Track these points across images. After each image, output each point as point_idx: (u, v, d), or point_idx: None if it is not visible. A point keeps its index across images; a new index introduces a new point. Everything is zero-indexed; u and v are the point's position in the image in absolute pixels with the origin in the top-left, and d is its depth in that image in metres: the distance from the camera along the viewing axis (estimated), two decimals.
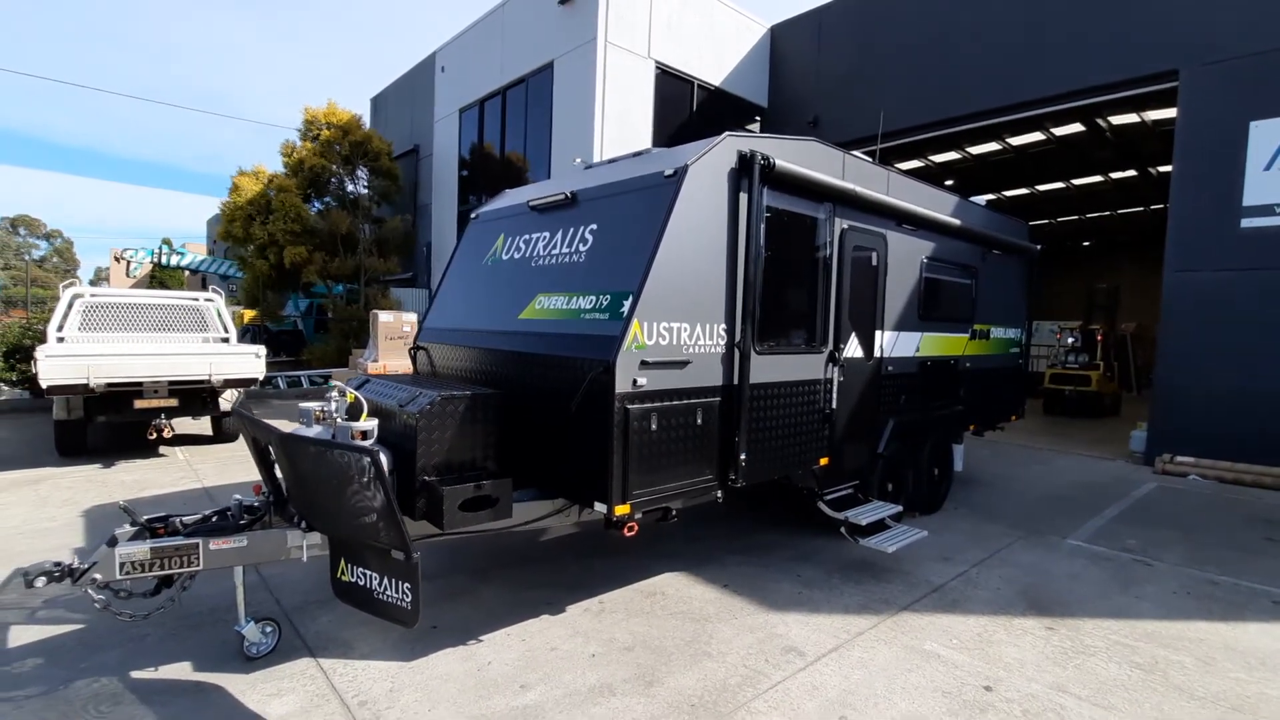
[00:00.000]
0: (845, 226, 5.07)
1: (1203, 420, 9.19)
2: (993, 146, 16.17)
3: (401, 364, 11.59)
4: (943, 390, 6.57)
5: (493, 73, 15.39)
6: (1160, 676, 3.65)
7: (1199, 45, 9.32)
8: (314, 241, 17.13)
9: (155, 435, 8.10)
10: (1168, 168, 14.42)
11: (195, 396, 8.20)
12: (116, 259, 21.50)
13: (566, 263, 4.30)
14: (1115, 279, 22.52)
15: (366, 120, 19.71)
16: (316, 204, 18.05)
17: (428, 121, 18.63)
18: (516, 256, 4.84)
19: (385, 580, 3.16)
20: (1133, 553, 5.72)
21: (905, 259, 5.85)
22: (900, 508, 5.53)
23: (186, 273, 29.74)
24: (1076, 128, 14.65)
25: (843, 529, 5.19)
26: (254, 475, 7.37)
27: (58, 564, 2.99)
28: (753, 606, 4.39)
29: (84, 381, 6.91)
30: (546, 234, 4.60)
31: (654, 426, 3.74)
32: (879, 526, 5.28)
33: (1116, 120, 14.19)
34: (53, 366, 6.75)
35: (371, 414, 3.73)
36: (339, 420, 3.63)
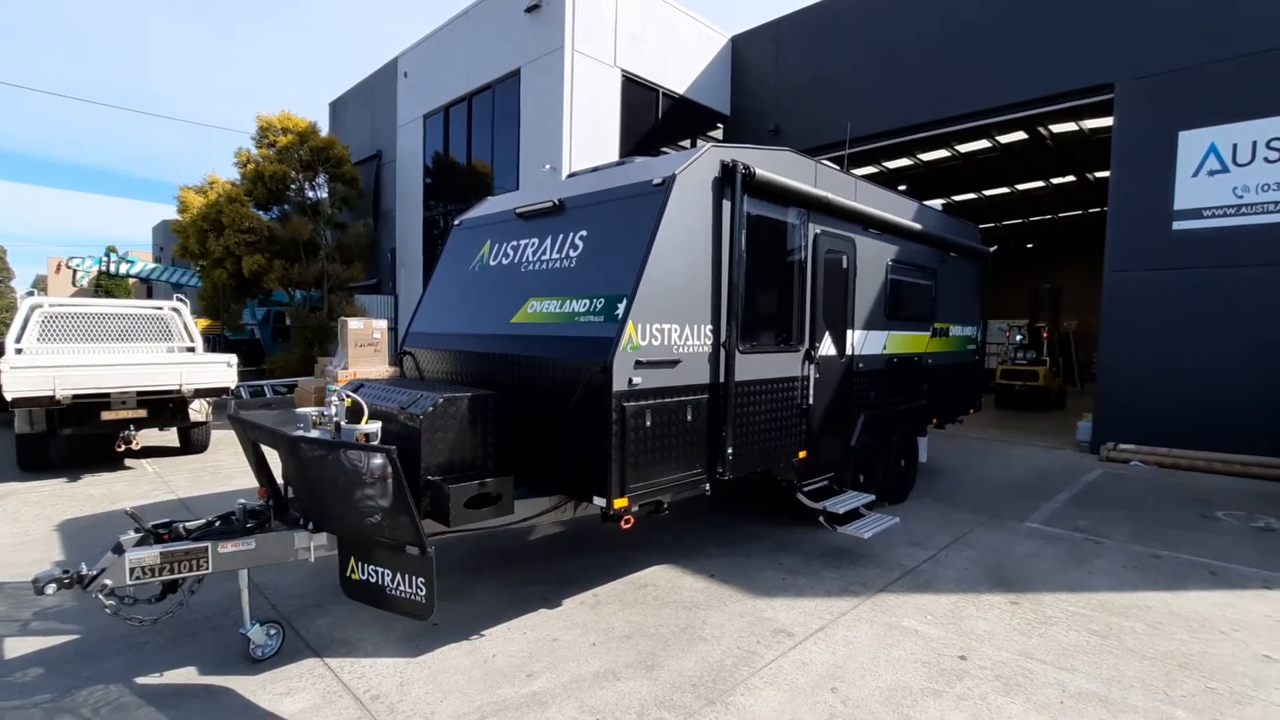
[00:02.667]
0: (818, 231, 5.35)
1: (1143, 410, 9.83)
2: (943, 154, 16.91)
3: (373, 370, 11.52)
4: (908, 386, 6.93)
5: (458, 79, 15.39)
6: (1115, 641, 3.99)
7: (1133, 60, 10.00)
8: (274, 249, 16.80)
9: (122, 447, 7.91)
10: (1105, 174, 15.33)
11: (163, 407, 8.05)
12: (62, 267, 20.61)
13: (558, 268, 4.46)
14: (1058, 279, 23.64)
15: (325, 125, 19.41)
16: (275, 210, 17.68)
17: (390, 127, 18.47)
18: (505, 262, 4.97)
19: (398, 576, 3.26)
20: (1084, 533, 6.14)
21: (872, 262, 6.17)
22: (873, 497, 5.83)
23: (132, 281, 28.65)
24: (1020, 136, 15.47)
25: (821, 518, 5.46)
26: (227, 485, 7.36)
27: (66, 570, 3.01)
28: (741, 594, 4.61)
29: (50, 393, 6.74)
30: (535, 240, 4.75)
31: (648, 423, 3.93)
32: (854, 515, 5.57)
33: (1057, 129, 15.05)
34: (17, 378, 6.56)
35: (371, 417, 3.82)
36: (342, 424, 3.71)
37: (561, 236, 4.56)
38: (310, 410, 3.95)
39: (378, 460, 2.99)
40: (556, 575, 4.88)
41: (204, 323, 20.80)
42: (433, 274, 5.80)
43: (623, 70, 13.20)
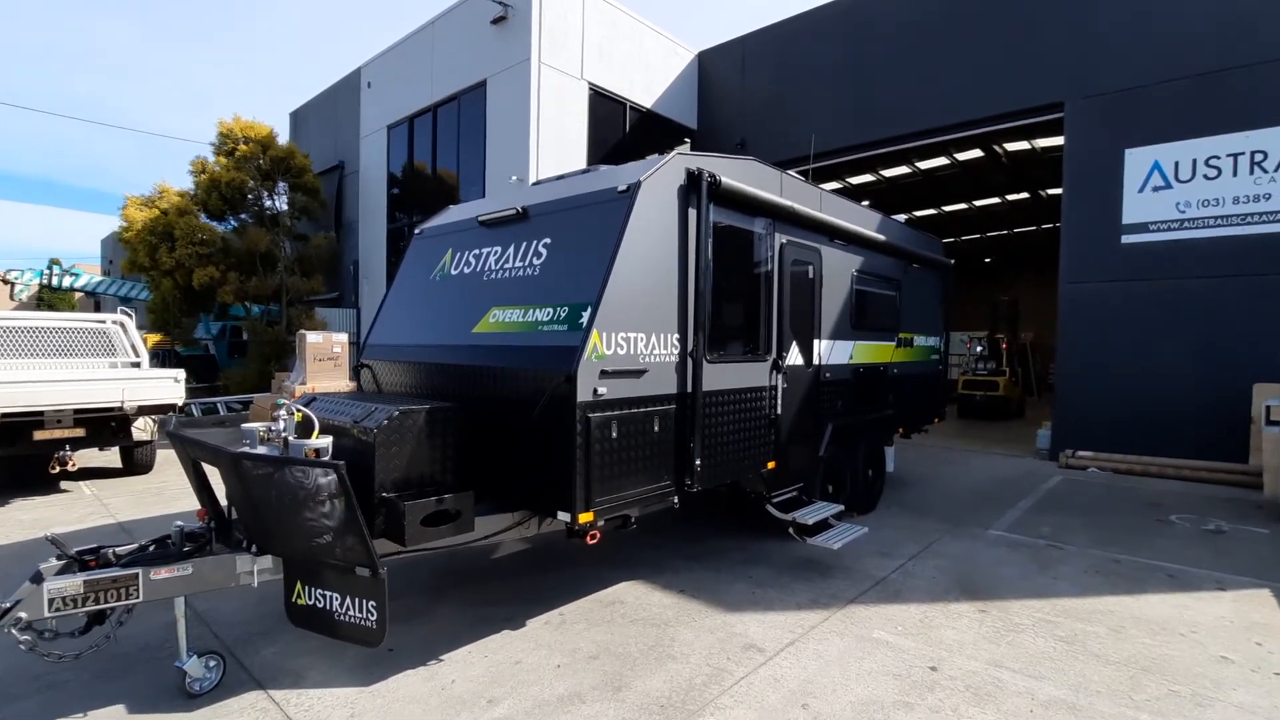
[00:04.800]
0: (784, 241, 5.34)
1: (1099, 418, 10.08)
2: (903, 170, 17.31)
3: (332, 385, 11.17)
4: (874, 395, 6.96)
5: (422, 90, 15.20)
6: (1080, 646, 3.99)
7: (1080, 80, 10.36)
8: (229, 261, 16.27)
9: (58, 469, 7.46)
10: (1056, 190, 15.84)
11: (104, 425, 7.62)
12: (0, 281, 19.68)
13: (521, 276, 4.34)
14: (1015, 292, 24.34)
15: (285, 135, 18.97)
16: (232, 221, 17.15)
17: (353, 138, 18.14)
18: (466, 271, 4.83)
19: (347, 599, 3.07)
20: (1047, 539, 6.21)
21: (838, 272, 6.20)
22: (842, 507, 5.81)
23: (78, 295, 27.52)
24: (976, 153, 15.93)
25: (790, 529, 5.40)
26: (172, 507, 7.00)
27: None
28: (710, 609, 4.50)
29: None
30: (498, 248, 4.63)
31: (614, 434, 3.82)
32: (823, 526, 5.52)
33: (1011, 147, 15.54)
34: None
35: (323, 432, 3.63)
36: (290, 439, 3.52)
37: (525, 244, 4.45)
38: (258, 426, 3.73)
39: (325, 477, 2.81)
40: (521, 594, 4.71)
41: (154, 338, 20.00)
42: (391, 284, 5.62)
43: (590, 83, 13.19)
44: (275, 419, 3.64)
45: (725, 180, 4.45)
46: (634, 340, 3.98)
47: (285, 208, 17.53)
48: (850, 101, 13.12)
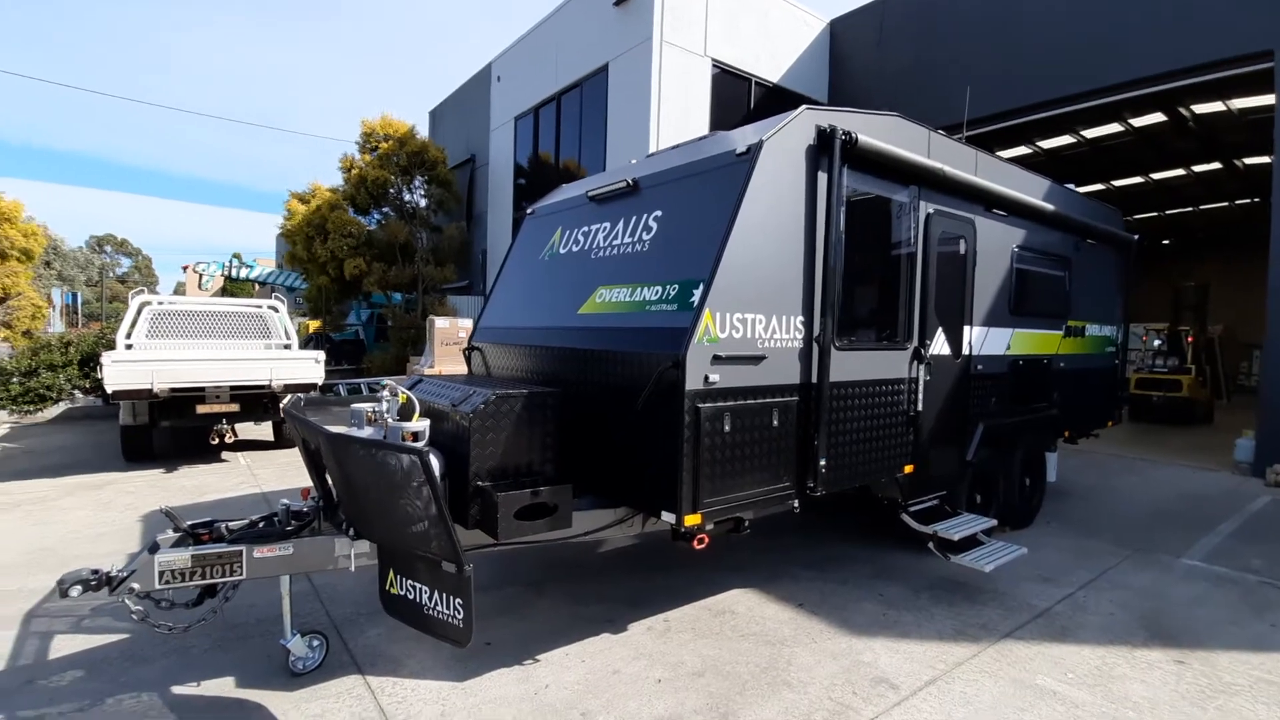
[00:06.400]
0: (931, 211, 4.62)
1: None
2: (1065, 140, 15.23)
3: (458, 369, 11.56)
4: (1035, 392, 5.99)
5: (547, 79, 15.38)
6: None
7: None
8: (373, 252, 17.42)
9: (218, 440, 8.18)
10: (1258, 159, 13.24)
11: (256, 401, 8.24)
12: (191, 271, 22.46)
13: (629, 253, 4.00)
14: (1199, 278, 20.97)
15: (424, 132, 20.04)
16: (375, 215, 18.37)
17: (484, 131, 18.80)
18: (575, 249, 4.57)
19: (436, 594, 2.89)
20: (1260, 575, 5.05)
21: (995, 247, 5.33)
22: (995, 522, 4.99)
23: (255, 285, 30.88)
24: (1157, 117, 13.63)
25: (931, 544, 4.70)
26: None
27: (95, 571, 2.83)
28: (833, 629, 3.97)
29: (147, 386, 6.99)
30: (607, 224, 4.32)
31: (727, 428, 3.39)
32: (971, 542, 4.76)
33: (1201, 109, 13.11)
34: (117, 372, 6.85)
35: (424, 414, 3.50)
36: (390, 421, 3.41)
37: (635, 219, 4.10)
38: (365, 406, 3.68)
39: (410, 462, 2.62)
40: (623, 594, 4.41)
41: (313, 324, 21.97)
42: (502, 266, 5.50)
43: (713, 60, 12.66)
44: (380, 400, 3.56)
45: (863, 139, 3.84)
46: (752, 322, 3.52)
47: (422, 201, 18.50)
48: (1002, 62, 11.63)
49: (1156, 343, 16.08)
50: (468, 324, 12.61)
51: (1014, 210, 5.44)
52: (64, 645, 3.57)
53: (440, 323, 12.25)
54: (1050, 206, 5.79)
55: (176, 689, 3.17)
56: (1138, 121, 13.94)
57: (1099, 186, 19.26)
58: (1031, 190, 5.70)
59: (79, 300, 36.16)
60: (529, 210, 5.55)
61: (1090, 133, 14.76)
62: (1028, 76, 11.31)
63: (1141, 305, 21.53)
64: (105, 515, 5.95)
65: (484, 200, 19.25)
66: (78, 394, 10.94)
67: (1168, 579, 4.95)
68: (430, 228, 18.61)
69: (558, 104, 15.31)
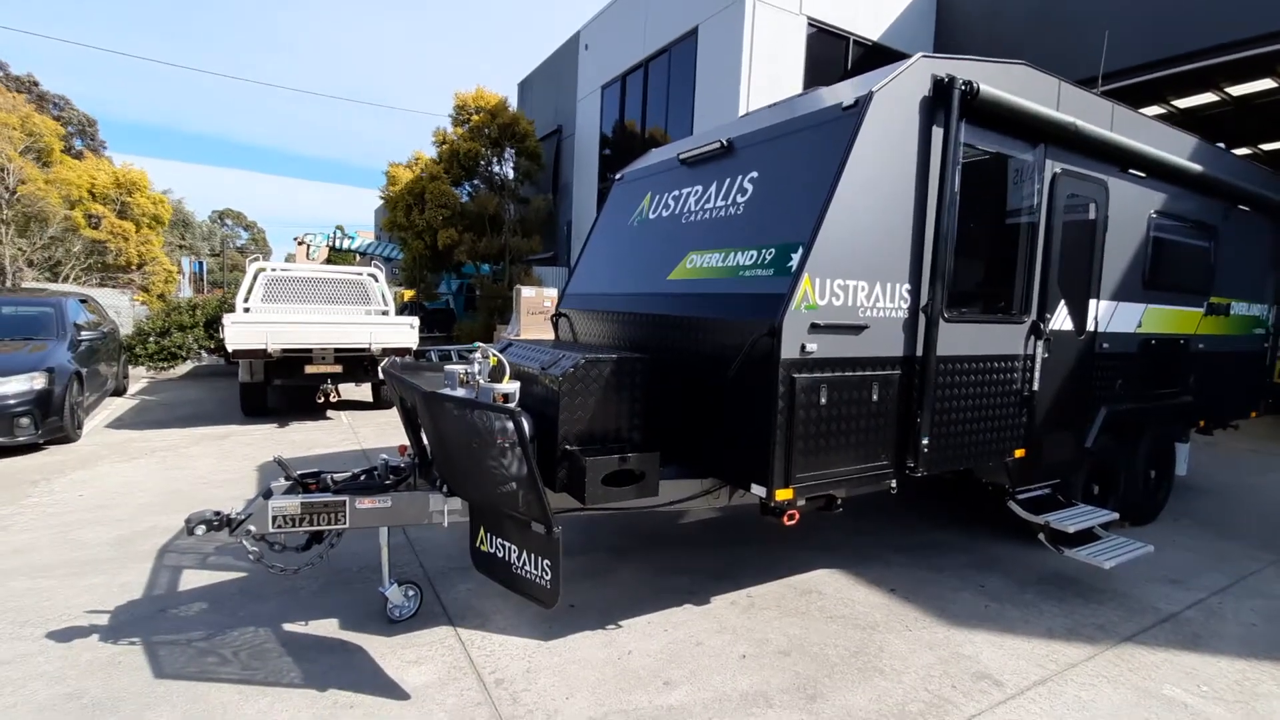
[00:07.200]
0: (1058, 171, 4.18)
1: None
2: (1206, 98, 13.51)
3: (544, 337, 11.78)
4: (1167, 376, 5.40)
5: (635, 46, 15.15)
6: None
7: None
8: (464, 223, 17.92)
9: (323, 399, 8.69)
10: None
11: (358, 364, 8.71)
12: (299, 242, 24.03)
13: (722, 216, 3.85)
14: None
15: (514, 104, 20.29)
16: (466, 186, 18.84)
17: (571, 102, 18.82)
18: (665, 214, 4.45)
19: (525, 554, 2.92)
20: None
21: (1129, 213, 4.79)
22: (1115, 515, 4.56)
23: (356, 255, 32.65)
24: None
25: (1041, 535, 4.35)
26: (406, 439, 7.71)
27: (217, 513, 3.04)
28: (929, 618, 3.76)
29: (263, 346, 7.50)
30: (699, 188, 4.17)
31: (823, 400, 3.22)
32: (1087, 536, 4.38)
33: None
34: (237, 333, 7.39)
35: (514, 377, 3.52)
36: (482, 382, 3.45)
37: (729, 180, 3.93)
38: (458, 368, 3.75)
39: (501, 423, 2.63)
40: (706, 566, 4.35)
41: (409, 293, 23.01)
42: (590, 233, 5.46)
43: (809, 18, 12.05)
44: (472, 362, 3.61)
45: (984, 89, 3.50)
46: (853, 289, 3.31)
47: (511, 173, 18.81)
48: (1134, 9, 10.42)
49: None
50: (553, 294, 12.78)
51: (1153, 171, 4.86)
52: (191, 579, 3.89)
53: (526, 292, 12.47)
54: (1197, 167, 5.14)
55: (287, 626, 3.38)
56: None
57: (1244, 150, 17.11)
58: (1176, 149, 5.06)
59: (204, 269, 39.41)
60: (618, 176, 5.46)
61: (1236, 90, 13.03)
62: (1164, 27, 10.11)
63: None
64: (227, 463, 6.47)
65: (569, 171, 19.34)
66: (204, 354, 11.95)
67: None
68: (518, 199, 18.93)
69: (645, 71, 15.07)
